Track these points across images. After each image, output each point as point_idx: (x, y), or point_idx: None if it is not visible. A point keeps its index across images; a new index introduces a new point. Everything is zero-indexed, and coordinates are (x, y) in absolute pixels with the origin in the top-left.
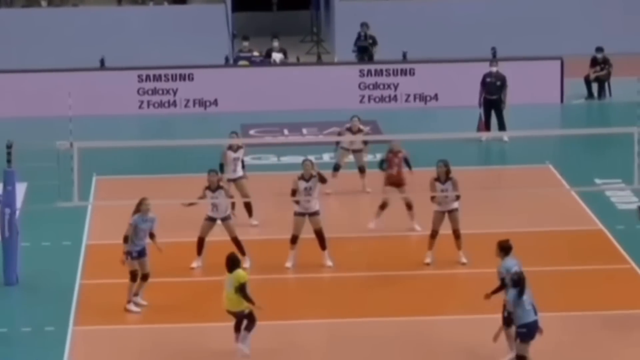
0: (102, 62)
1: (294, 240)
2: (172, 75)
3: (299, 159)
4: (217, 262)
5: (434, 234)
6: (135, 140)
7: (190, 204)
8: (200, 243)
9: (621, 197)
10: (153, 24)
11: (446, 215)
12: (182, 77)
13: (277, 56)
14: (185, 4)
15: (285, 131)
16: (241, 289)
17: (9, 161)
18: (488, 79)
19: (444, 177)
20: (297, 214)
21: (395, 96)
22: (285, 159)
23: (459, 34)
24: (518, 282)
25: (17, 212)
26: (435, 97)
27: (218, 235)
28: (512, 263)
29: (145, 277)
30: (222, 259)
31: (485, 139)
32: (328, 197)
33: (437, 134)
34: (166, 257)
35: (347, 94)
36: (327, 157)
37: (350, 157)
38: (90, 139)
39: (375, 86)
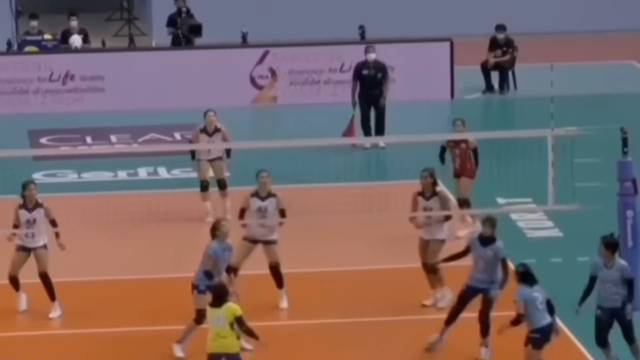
0: None
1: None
2: None
3: (105, 176)
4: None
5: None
6: None
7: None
8: (14, 282)
9: (531, 221)
10: None
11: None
12: None
13: (76, 39)
14: None
15: (88, 139)
16: (240, 323)
17: None
18: (365, 71)
19: (430, 191)
20: (245, 238)
21: None
22: (88, 176)
23: (314, 8)
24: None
25: None
26: None
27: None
28: None
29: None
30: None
31: (362, 146)
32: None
33: (285, 141)
34: None
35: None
36: (143, 172)
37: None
38: None
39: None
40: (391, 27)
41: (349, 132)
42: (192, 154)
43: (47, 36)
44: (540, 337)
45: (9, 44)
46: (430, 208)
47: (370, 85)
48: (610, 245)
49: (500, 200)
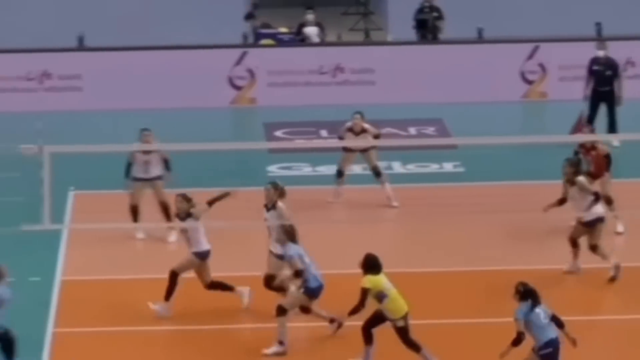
0: None
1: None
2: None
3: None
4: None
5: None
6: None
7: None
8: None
9: None
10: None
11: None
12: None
13: (311, 32)
14: None
15: (324, 132)
16: None
17: None
18: (595, 67)
19: (571, 180)
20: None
21: None
22: (323, 169)
23: (554, 5)
24: (527, 294)
25: None
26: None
27: None
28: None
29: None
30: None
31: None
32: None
33: (512, 137)
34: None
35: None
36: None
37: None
38: (68, 142)
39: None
40: (630, 23)
41: (577, 129)
42: (344, 149)
43: (283, 29)
44: (552, 351)
45: (245, 37)
46: (574, 197)
47: (600, 81)
48: None
49: None
